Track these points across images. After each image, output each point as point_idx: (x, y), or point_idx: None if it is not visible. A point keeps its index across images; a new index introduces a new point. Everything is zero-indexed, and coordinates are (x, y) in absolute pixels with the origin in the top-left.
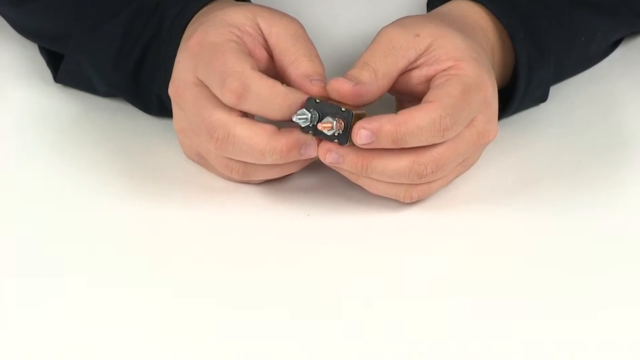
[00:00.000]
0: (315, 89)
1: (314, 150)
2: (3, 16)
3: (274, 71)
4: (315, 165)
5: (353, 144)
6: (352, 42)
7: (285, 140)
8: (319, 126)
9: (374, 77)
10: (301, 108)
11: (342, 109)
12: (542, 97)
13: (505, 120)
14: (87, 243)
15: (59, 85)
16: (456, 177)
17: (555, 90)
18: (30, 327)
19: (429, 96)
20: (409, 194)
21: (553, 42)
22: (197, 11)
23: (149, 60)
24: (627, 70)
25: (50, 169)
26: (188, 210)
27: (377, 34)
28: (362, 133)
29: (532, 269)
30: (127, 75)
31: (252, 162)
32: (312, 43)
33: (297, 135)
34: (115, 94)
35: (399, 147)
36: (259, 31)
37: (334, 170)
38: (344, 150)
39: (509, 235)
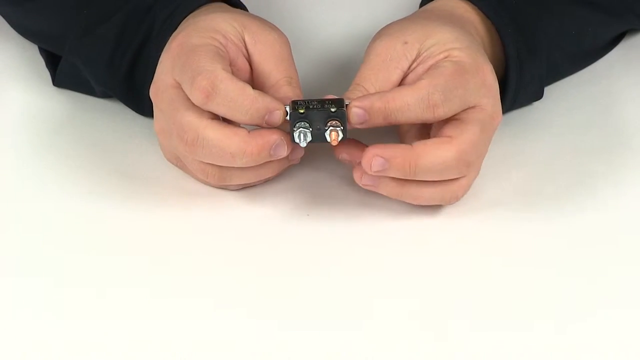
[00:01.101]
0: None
1: (283, 150)
2: (3, 16)
3: (253, 85)
4: (315, 165)
5: (391, 147)
6: (350, 42)
7: (254, 142)
8: (332, 142)
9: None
10: (291, 127)
11: (332, 110)
12: (537, 94)
13: (505, 120)
14: (83, 244)
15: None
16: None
17: (555, 90)
18: (27, 327)
19: (422, 76)
20: (455, 194)
21: (542, 36)
22: (188, 14)
23: (141, 63)
24: (627, 69)
25: (45, 169)
26: (186, 211)
27: (366, 51)
28: (355, 112)
29: (532, 268)
30: (120, 78)
31: (223, 165)
32: (294, 65)
33: (268, 136)
34: (111, 95)
35: (390, 123)
36: (243, 43)
37: (334, 170)
38: (389, 154)
39: (508, 235)
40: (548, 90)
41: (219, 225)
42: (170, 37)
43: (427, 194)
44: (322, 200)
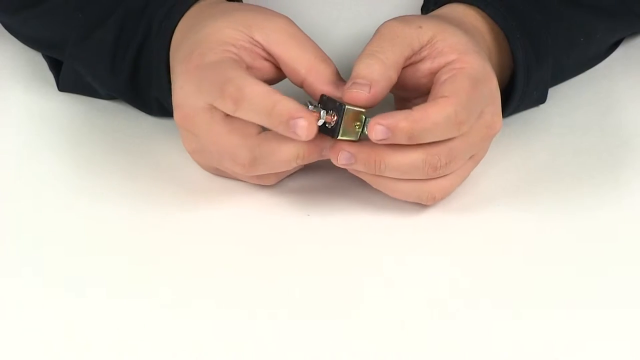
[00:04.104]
0: (360, 97)
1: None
2: (2, 24)
3: (280, 78)
4: (315, 165)
5: (359, 142)
6: (352, 42)
7: (307, 146)
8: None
9: (383, 68)
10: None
11: (338, 103)
12: (541, 99)
13: (505, 121)
14: (87, 244)
15: None
16: (469, 174)
17: (555, 91)
18: (28, 328)
19: (443, 91)
20: (431, 195)
21: (550, 42)
22: (185, 12)
23: (143, 64)
24: (627, 70)
25: (49, 170)
26: (188, 211)
27: (378, 28)
28: (377, 129)
29: (532, 269)
30: (123, 80)
31: (281, 171)
32: (313, 41)
33: (317, 140)
34: (117, 97)
35: (414, 142)
36: (256, 43)
37: (334, 170)
38: (355, 149)
39: (509, 236)
40: (549, 91)
41: (219, 225)
42: (180, 56)
43: (404, 189)
44: (322, 200)
